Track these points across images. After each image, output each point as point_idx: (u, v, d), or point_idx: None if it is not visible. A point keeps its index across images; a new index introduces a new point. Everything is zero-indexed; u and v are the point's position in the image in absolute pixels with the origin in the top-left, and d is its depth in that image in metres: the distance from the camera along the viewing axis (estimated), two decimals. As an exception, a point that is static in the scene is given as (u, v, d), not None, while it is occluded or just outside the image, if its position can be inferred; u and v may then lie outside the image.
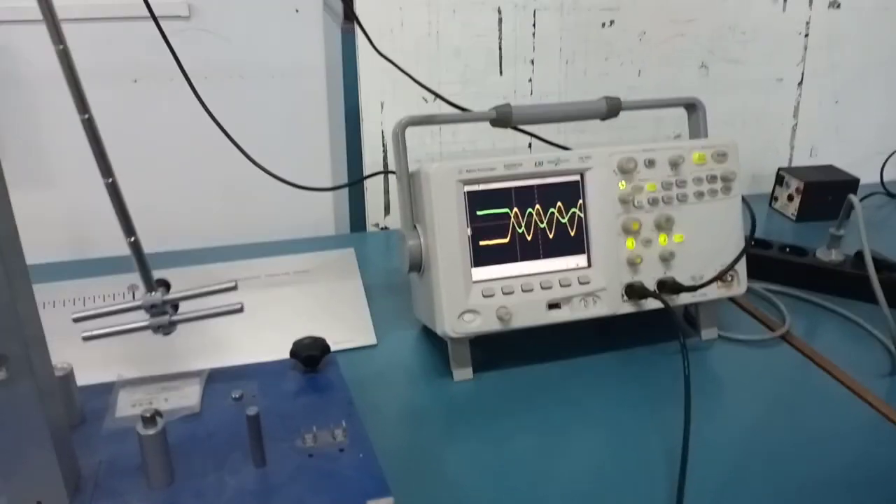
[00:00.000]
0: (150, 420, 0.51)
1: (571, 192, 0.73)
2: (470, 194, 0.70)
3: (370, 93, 1.05)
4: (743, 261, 0.76)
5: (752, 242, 0.76)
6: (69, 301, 0.82)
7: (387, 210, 1.12)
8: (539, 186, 0.72)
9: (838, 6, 1.19)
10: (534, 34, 1.08)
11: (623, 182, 0.73)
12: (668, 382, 0.73)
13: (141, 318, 0.61)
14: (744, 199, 0.77)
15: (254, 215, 1.12)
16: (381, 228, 1.12)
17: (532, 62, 1.09)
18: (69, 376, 0.56)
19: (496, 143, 1.11)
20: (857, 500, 0.59)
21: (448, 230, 0.69)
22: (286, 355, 0.67)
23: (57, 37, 0.52)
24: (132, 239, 0.58)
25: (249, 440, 0.53)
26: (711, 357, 0.78)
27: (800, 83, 1.22)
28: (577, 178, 0.73)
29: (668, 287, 0.73)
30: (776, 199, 1.18)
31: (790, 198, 1.14)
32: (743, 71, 1.18)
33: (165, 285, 0.62)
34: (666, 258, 0.74)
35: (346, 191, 1.20)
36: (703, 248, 0.75)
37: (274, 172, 0.87)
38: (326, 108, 1.11)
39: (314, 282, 0.89)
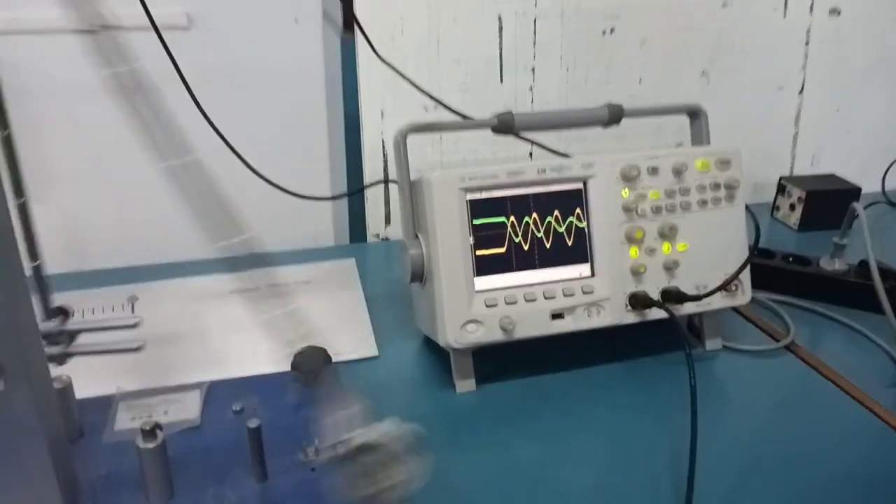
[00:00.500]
0: (149, 433, 0.50)
1: (574, 200, 0.72)
2: (472, 202, 0.69)
3: (370, 101, 1.05)
4: (747, 270, 0.76)
5: (756, 251, 0.76)
6: (78, 311, 0.81)
7: (387, 220, 1.11)
8: (542, 194, 0.71)
9: (839, 14, 1.19)
10: (534, 42, 1.08)
11: (626, 190, 0.73)
12: (673, 393, 0.72)
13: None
14: (747, 207, 0.77)
15: (253, 226, 1.11)
16: (382, 239, 1.12)
17: (533, 70, 1.09)
18: (68, 389, 0.56)
19: (497, 153, 1.10)
20: (866, 512, 0.59)
21: (450, 239, 0.68)
22: (287, 367, 0.66)
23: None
24: (36, 263, 0.57)
25: (251, 453, 0.52)
26: (716, 367, 0.78)
27: (801, 91, 1.22)
28: (580, 185, 0.72)
29: (673, 296, 0.73)
30: (778, 208, 1.17)
31: (792, 207, 1.14)
32: (744, 78, 1.18)
33: (64, 313, 0.61)
34: (670, 267, 0.73)
35: (345, 201, 1.20)
36: (706, 257, 0.75)
37: (273, 182, 0.87)
38: (325, 117, 1.10)
39: (315, 293, 0.89)
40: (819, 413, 0.71)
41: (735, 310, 0.87)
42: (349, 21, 1.20)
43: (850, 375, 0.75)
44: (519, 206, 0.71)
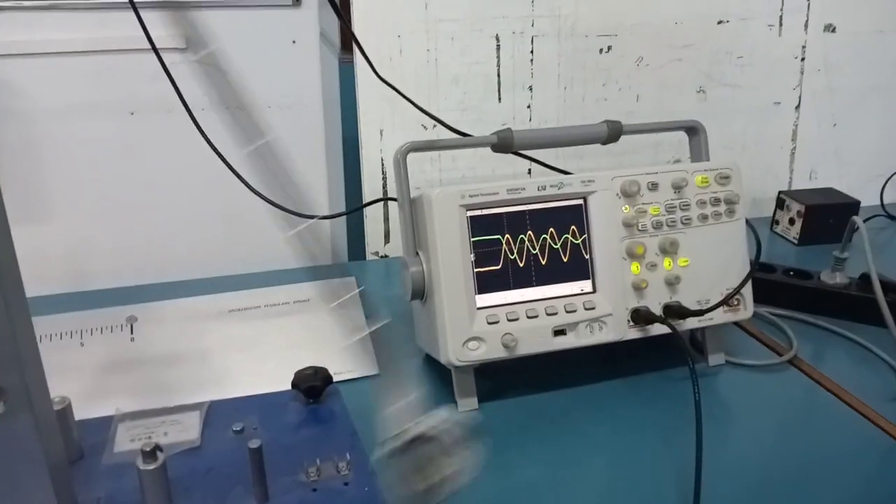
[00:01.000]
0: (150, 454, 0.49)
1: (575, 217, 0.72)
2: (473, 219, 0.69)
3: (369, 121, 1.05)
4: (749, 284, 0.75)
5: (758, 266, 0.76)
6: (66, 334, 0.81)
7: (387, 238, 1.11)
8: (542, 211, 0.71)
9: (834, 30, 1.20)
10: (532, 61, 1.08)
11: (626, 206, 0.73)
12: (676, 409, 0.72)
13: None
14: (748, 221, 0.77)
15: (251, 245, 1.11)
16: (381, 257, 1.12)
17: (530, 88, 1.10)
18: (67, 410, 0.55)
19: (495, 170, 1.11)
20: (874, 527, 0.58)
21: (451, 256, 0.68)
22: (287, 386, 0.65)
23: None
24: None
25: (252, 474, 0.52)
26: (719, 382, 0.77)
27: (797, 107, 1.23)
28: (581, 202, 0.72)
29: (675, 312, 0.73)
30: (777, 222, 1.18)
31: (791, 221, 1.14)
32: (741, 95, 1.19)
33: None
34: (671, 282, 0.73)
35: (343, 220, 1.20)
36: (708, 271, 0.75)
37: (272, 201, 0.87)
38: (324, 137, 1.10)
39: (314, 311, 0.88)
40: (824, 427, 0.70)
41: (737, 324, 0.86)
42: (347, 41, 1.20)
43: (854, 389, 0.75)
44: (519, 222, 0.71)
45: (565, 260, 0.72)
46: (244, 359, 0.78)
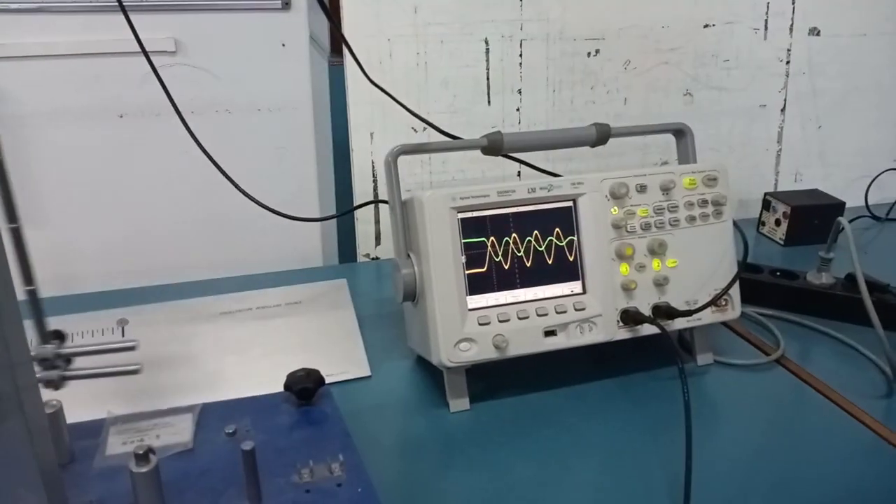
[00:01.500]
0: (142, 457, 0.49)
1: (564, 219, 0.73)
2: (464, 221, 0.70)
3: (359, 124, 1.05)
4: (736, 285, 0.76)
5: (745, 266, 0.77)
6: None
7: (377, 240, 1.11)
8: (532, 213, 0.72)
9: (818, 33, 1.21)
10: (521, 64, 1.09)
11: (615, 207, 0.73)
12: (665, 408, 0.72)
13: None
14: (735, 222, 0.78)
15: (241, 248, 1.11)
16: (372, 259, 1.12)
17: (519, 91, 1.10)
18: (58, 413, 0.55)
19: (485, 172, 1.11)
20: (861, 523, 0.59)
21: (442, 258, 0.68)
22: (279, 388, 0.65)
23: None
24: (31, 288, 0.56)
25: (245, 476, 0.52)
26: (707, 382, 0.78)
27: (783, 109, 1.24)
28: (570, 203, 0.73)
29: (663, 312, 0.73)
30: (763, 223, 1.19)
31: (777, 222, 1.15)
32: (727, 98, 1.20)
33: (60, 337, 0.60)
34: (660, 283, 0.74)
35: (333, 222, 1.20)
36: (696, 272, 0.75)
37: (263, 204, 0.87)
38: (313, 140, 1.11)
39: (306, 313, 0.89)
40: (811, 425, 0.71)
41: (725, 324, 0.87)
42: (337, 44, 1.21)
43: (841, 388, 0.76)
44: (510, 224, 0.71)
45: (555, 261, 0.72)
46: (236, 361, 0.78)
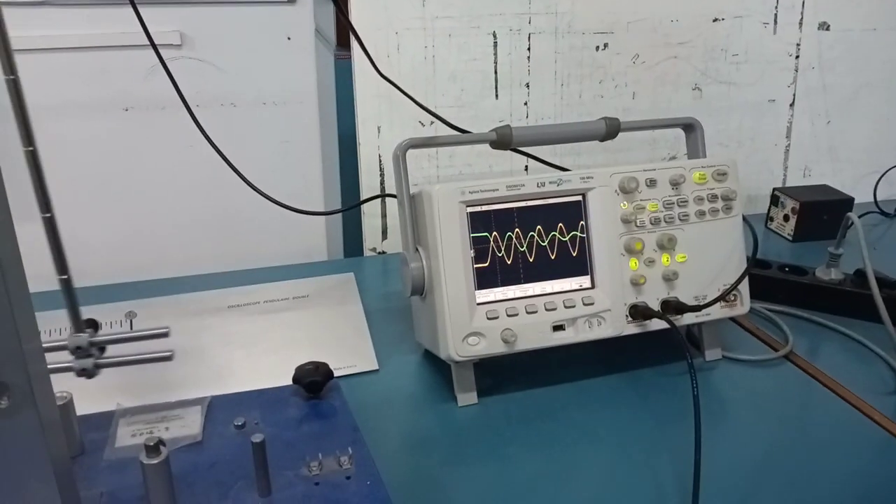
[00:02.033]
0: (153, 449, 0.49)
1: (574, 213, 0.72)
2: (472, 215, 0.69)
3: (367, 117, 1.05)
4: (746, 280, 0.76)
5: (754, 262, 0.77)
6: (65, 329, 0.80)
7: (384, 234, 1.11)
8: (541, 207, 0.71)
9: (828, 28, 1.21)
10: (529, 58, 1.09)
11: (625, 202, 0.73)
12: (673, 403, 0.72)
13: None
14: (744, 218, 0.77)
15: (245, 243, 1.11)
16: (379, 253, 1.12)
17: (527, 86, 1.10)
18: (69, 405, 0.55)
19: (492, 166, 1.11)
20: (870, 520, 0.59)
21: (451, 252, 0.68)
22: (287, 382, 0.65)
23: (9, 67, 0.51)
24: (65, 277, 0.57)
25: (255, 468, 0.52)
26: (716, 377, 0.78)
27: (792, 104, 1.24)
28: (579, 198, 0.72)
29: (672, 307, 0.73)
30: (772, 219, 1.18)
31: (786, 218, 1.14)
32: (736, 92, 1.19)
33: (94, 326, 0.60)
34: (669, 278, 0.74)
35: (339, 216, 1.20)
36: (705, 267, 0.75)
37: (271, 197, 0.87)
38: (319, 134, 1.11)
39: (314, 307, 0.89)
40: (820, 422, 0.71)
41: (733, 320, 0.87)
42: (343, 37, 1.20)
43: (850, 384, 0.76)
44: (519, 218, 0.71)
45: (564, 256, 0.72)
46: (244, 354, 0.79)
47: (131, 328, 0.82)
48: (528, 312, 0.70)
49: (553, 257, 0.72)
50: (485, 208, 0.70)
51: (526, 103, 1.11)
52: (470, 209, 0.69)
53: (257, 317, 0.86)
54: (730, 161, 0.77)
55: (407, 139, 0.72)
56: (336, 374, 0.67)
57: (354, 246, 1.15)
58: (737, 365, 0.80)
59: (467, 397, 0.72)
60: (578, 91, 1.12)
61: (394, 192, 0.95)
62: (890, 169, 1.28)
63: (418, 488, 0.61)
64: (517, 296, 0.71)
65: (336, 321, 0.86)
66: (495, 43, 1.07)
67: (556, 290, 0.72)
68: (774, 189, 1.18)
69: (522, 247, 0.71)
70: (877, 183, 1.26)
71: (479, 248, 0.70)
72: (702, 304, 0.74)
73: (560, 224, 0.72)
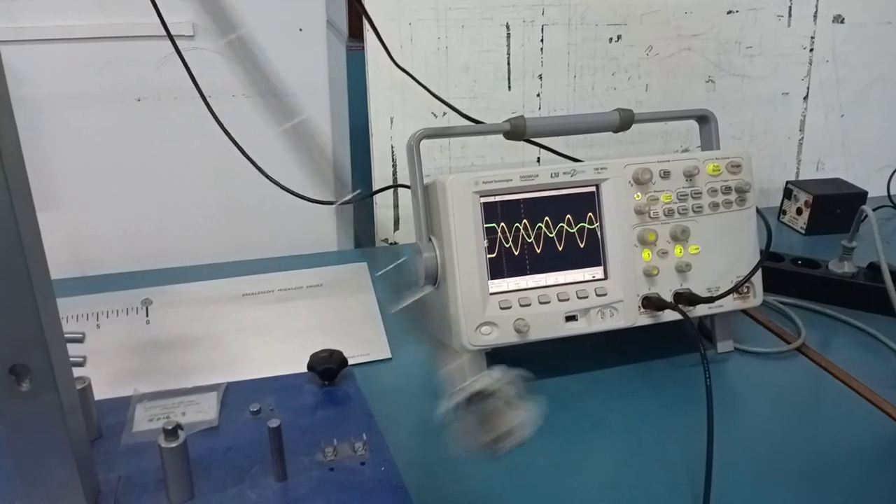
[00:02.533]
0: (171, 433, 0.50)
1: (587, 204, 0.72)
2: (486, 205, 0.70)
3: (379, 108, 1.05)
4: (759, 272, 0.76)
5: (767, 254, 0.77)
6: (83, 316, 0.81)
7: (396, 225, 1.12)
8: (555, 198, 0.72)
9: (842, 21, 1.20)
10: (542, 49, 1.08)
11: (638, 193, 0.73)
12: (685, 394, 0.72)
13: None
14: (758, 210, 0.77)
15: (255, 232, 1.11)
16: (391, 244, 1.12)
17: (540, 77, 1.10)
18: (87, 390, 0.56)
19: (504, 157, 1.11)
20: (882, 511, 0.59)
21: (465, 242, 0.68)
22: (300, 369, 0.66)
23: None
24: None
25: (271, 453, 0.52)
26: (728, 369, 0.78)
27: (805, 97, 1.23)
28: (593, 189, 0.73)
29: (685, 299, 0.73)
30: (784, 212, 1.18)
31: (799, 211, 1.14)
32: (749, 85, 1.19)
33: None
34: (682, 269, 0.74)
35: (349, 208, 1.20)
36: (718, 259, 0.75)
37: (285, 186, 0.88)
38: (330, 125, 1.11)
39: (327, 296, 0.89)
40: (832, 414, 0.71)
41: (745, 312, 0.87)
42: (355, 29, 1.20)
43: (862, 376, 0.76)
44: (532, 209, 0.71)
45: (577, 246, 0.72)
46: (258, 342, 0.79)
47: (147, 315, 0.82)
48: (540, 303, 0.70)
49: (566, 248, 0.72)
50: (498, 199, 0.70)
51: (539, 95, 1.11)
52: (483, 199, 0.69)
53: (271, 305, 0.87)
54: (744, 153, 0.77)
55: (421, 129, 0.72)
56: (349, 362, 0.67)
57: (365, 237, 1.16)
58: (749, 357, 0.80)
59: (479, 386, 0.72)
60: (591, 83, 1.12)
61: (406, 183, 0.95)
62: (903, 163, 1.28)
63: (431, 475, 0.62)
64: (530, 286, 0.71)
65: (349, 310, 0.86)
66: (508, 34, 1.06)
67: (568, 280, 0.72)
68: (787, 182, 1.18)
69: (535, 237, 0.71)
70: (890, 177, 1.25)
71: (492, 239, 0.70)
72: (714, 295, 0.74)
73: (573, 215, 0.72)
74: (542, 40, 1.08)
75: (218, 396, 0.62)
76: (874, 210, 0.83)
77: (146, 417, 0.60)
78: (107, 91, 1.01)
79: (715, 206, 0.75)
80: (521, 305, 0.70)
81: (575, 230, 0.72)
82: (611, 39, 1.10)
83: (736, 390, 0.75)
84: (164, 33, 0.76)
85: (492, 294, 0.70)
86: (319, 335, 0.80)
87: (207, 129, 0.82)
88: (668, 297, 0.73)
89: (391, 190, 1.09)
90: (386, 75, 1.02)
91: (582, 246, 0.72)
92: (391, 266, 0.68)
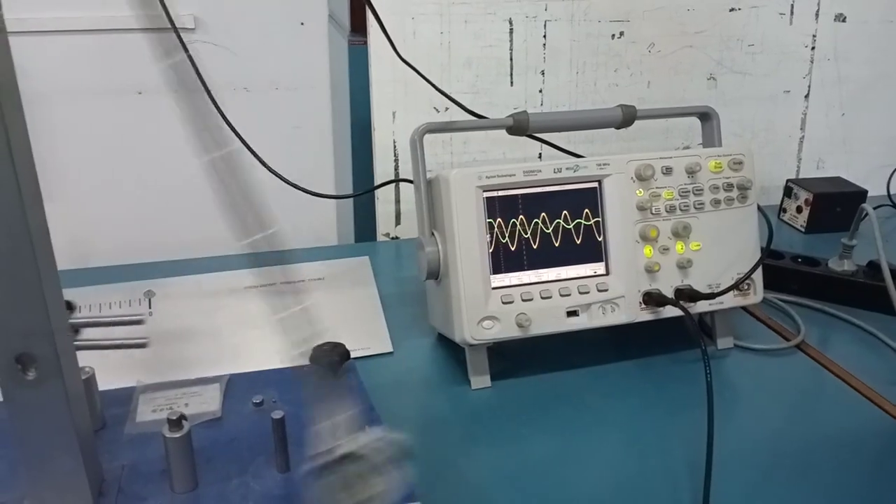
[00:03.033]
0: (175, 423, 0.50)
1: (589, 199, 0.73)
2: (489, 200, 0.70)
3: (382, 102, 1.06)
4: (759, 270, 0.76)
5: (768, 251, 0.77)
6: (85, 307, 0.81)
7: (397, 220, 1.12)
8: (557, 193, 0.72)
9: (844, 19, 1.20)
10: (544, 45, 1.09)
11: (640, 189, 0.73)
12: (686, 389, 0.73)
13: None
14: (759, 208, 0.77)
15: (256, 225, 1.11)
16: (392, 238, 1.12)
17: (542, 73, 1.10)
18: (91, 380, 0.56)
19: (506, 153, 1.11)
20: (880, 507, 0.59)
21: (467, 236, 0.69)
22: (304, 362, 0.66)
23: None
24: None
25: (274, 444, 0.53)
26: (728, 366, 0.78)
27: (806, 95, 1.23)
28: (595, 185, 0.73)
29: (686, 295, 0.73)
30: (785, 210, 1.18)
31: (799, 209, 1.14)
32: (751, 83, 1.19)
33: (70, 308, 0.60)
34: (683, 266, 0.74)
35: (350, 202, 1.20)
36: (719, 256, 0.76)
37: (287, 180, 0.88)
38: (331, 119, 1.11)
39: (329, 289, 0.89)
40: (831, 412, 0.72)
41: (745, 309, 0.87)
42: (357, 23, 1.21)
43: (861, 374, 0.76)
44: (535, 204, 0.71)
45: (579, 242, 0.72)
46: (261, 334, 0.79)
47: (150, 307, 0.83)
48: (542, 297, 0.70)
49: (568, 243, 0.72)
50: (500, 193, 0.70)
51: (541, 90, 1.11)
52: (486, 194, 0.70)
53: (274, 297, 0.87)
54: (746, 150, 0.77)
55: (424, 123, 0.73)
56: (351, 355, 0.67)
57: (365, 232, 1.16)
58: (748, 354, 0.80)
59: (481, 380, 0.73)
60: (593, 79, 1.12)
61: (408, 178, 0.95)
62: (904, 162, 1.28)
63: (433, 468, 0.62)
64: (532, 281, 0.71)
65: (351, 303, 0.87)
66: (511, 30, 1.07)
67: (570, 275, 0.72)
68: (788, 180, 1.18)
69: (538, 232, 0.71)
70: (890, 176, 1.26)
71: (495, 233, 0.70)
72: (715, 292, 0.74)
73: (574, 211, 0.72)
74: (544, 36, 1.08)
75: (221, 388, 0.62)
76: (874, 208, 0.83)
77: (149, 408, 0.60)
78: (108, 84, 1.01)
79: (716, 202, 0.75)
80: (523, 300, 0.70)
81: (576, 226, 0.72)
82: (613, 36, 1.11)
83: (735, 386, 0.75)
84: (165, 26, 0.76)
85: (494, 289, 0.70)
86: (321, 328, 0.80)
87: (208, 123, 0.82)
88: (669, 294, 0.74)
89: (393, 184, 1.09)
90: (388, 69, 1.02)
91: (584, 241, 0.73)
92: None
